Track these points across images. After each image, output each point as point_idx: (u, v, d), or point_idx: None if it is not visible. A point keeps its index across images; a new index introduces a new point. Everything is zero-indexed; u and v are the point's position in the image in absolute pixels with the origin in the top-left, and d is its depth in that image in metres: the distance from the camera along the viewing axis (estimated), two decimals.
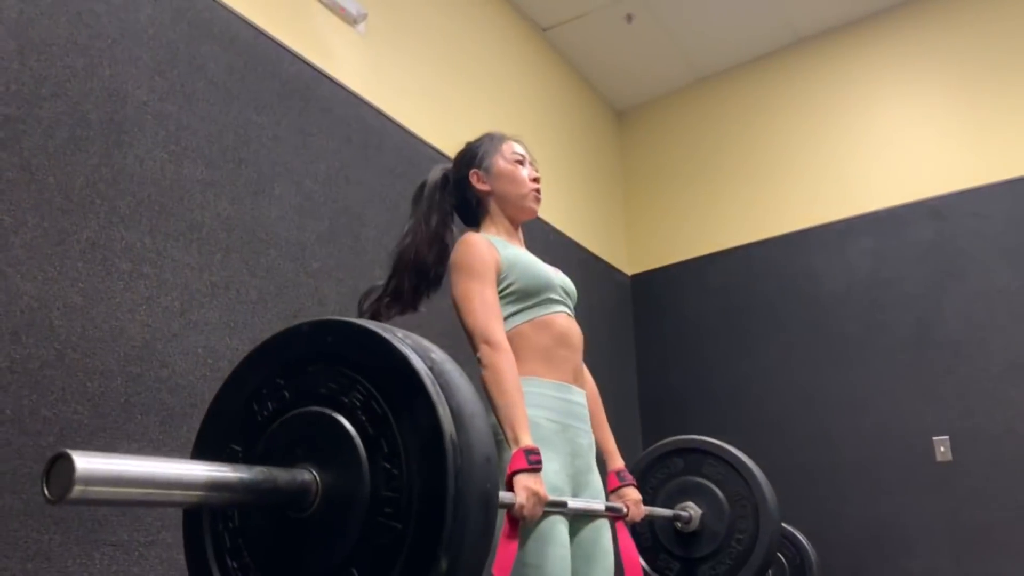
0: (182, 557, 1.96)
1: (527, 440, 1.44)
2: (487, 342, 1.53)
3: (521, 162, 1.80)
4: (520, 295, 1.66)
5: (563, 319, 1.72)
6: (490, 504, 0.86)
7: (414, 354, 0.88)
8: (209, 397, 2.10)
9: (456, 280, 1.63)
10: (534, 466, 1.40)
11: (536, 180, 1.81)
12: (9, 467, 1.66)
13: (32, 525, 1.67)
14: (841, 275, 4.08)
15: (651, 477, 2.09)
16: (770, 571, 3.27)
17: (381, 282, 1.74)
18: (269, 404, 0.95)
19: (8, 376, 1.70)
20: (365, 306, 1.73)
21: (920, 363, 3.74)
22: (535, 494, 1.38)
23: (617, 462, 1.85)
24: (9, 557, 1.62)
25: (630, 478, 1.84)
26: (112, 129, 2.03)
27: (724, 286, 4.46)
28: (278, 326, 2.37)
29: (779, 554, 3.32)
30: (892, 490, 3.66)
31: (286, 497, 0.87)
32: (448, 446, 0.82)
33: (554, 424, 1.60)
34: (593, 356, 1.94)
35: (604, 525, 1.70)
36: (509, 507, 1.35)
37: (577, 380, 1.70)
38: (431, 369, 0.87)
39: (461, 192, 1.81)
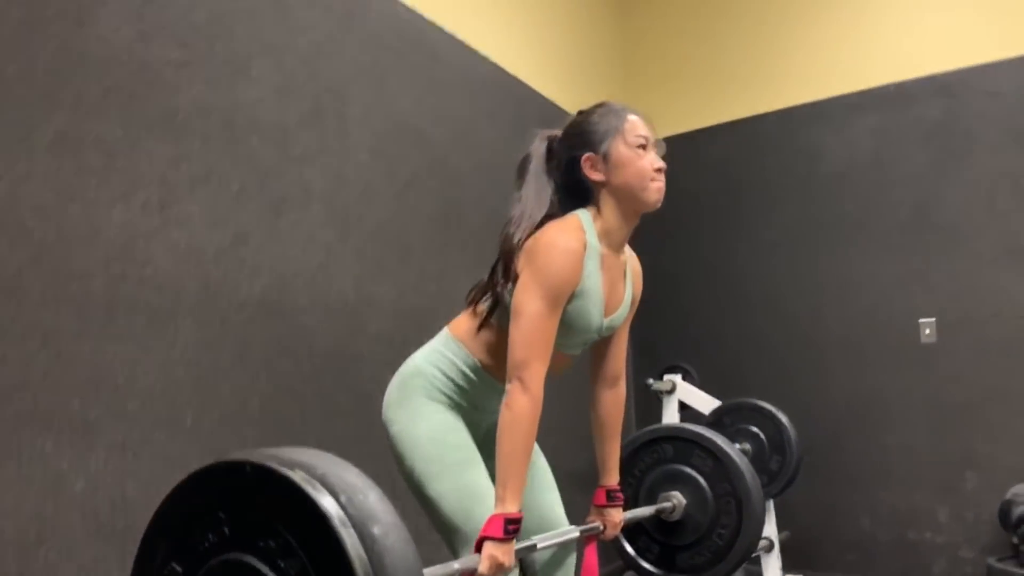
0: (177, 453, 1.99)
1: (513, 507, 1.36)
2: (520, 379, 1.40)
3: (644, 146, 1.58)
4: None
5: (561, 359, 1.61)
6: None
7: (354, 534, 0.87)
8: (195, 294, 2.07)
9: (524, 280, 1.46)
10: (508, 536, 1.34)
11: (660, 171, 1.57)
12: None
13: (25, 433, 1.66)
14: (842, 153, 3.97)
15: (640, 461, 2.07)
16: (749, 445, 3.41)
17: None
18: (210, 535, 0.95)
19: None
20: (470, 297, 1.62)
21: (915, 245, 3.72)
22: (500, 566, 1.32)
23: (612, 479, 1.77)
24: (5, 466, 1.62)
25: (619, 499, 1.77)
26: (70, 5, 1.85)
27: (722, 162, 4.34)
28: (263, 218, 2.29)
29: (758, 430, 3.41)
30: (875, 370, 3.74)
31: None
32: None
33: (466, 404, 1.61)
34: None
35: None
36: (470, 572, 1.30)
37: None
38: (369, 552, 0.87)
39: (568, 173, 1.60)
